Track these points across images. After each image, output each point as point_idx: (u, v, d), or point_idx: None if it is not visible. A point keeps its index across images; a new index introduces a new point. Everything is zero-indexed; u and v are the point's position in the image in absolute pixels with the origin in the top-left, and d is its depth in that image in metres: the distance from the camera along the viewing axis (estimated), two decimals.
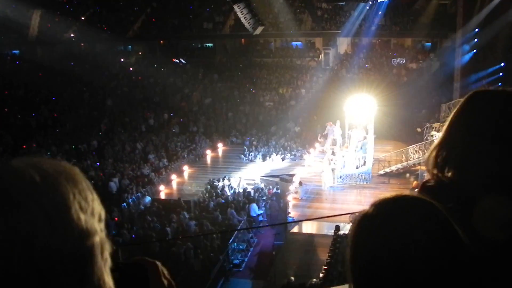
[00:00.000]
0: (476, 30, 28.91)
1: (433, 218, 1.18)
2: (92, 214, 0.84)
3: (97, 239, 0.83)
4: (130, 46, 44.78)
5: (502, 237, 1.46)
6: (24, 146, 28.80)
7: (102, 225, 0.87)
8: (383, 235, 1.15)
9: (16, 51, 44.57)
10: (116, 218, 19.80)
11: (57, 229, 0.77)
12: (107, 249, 0.87)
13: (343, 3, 26.68)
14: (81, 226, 0.80)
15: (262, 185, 23.76)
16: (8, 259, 0.74)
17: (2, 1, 40.85)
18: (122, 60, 42.20)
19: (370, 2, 24.98)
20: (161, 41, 43.59)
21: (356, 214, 1.26)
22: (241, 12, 20.17)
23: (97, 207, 0.87)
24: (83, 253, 0.81)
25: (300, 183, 21.66)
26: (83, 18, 44.36)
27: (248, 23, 20.60)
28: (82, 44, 43.22)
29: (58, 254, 0.77)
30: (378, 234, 1.16)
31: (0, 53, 42.92)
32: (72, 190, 0.81)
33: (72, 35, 43.03)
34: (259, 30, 21.43)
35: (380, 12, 34.94)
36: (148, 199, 22.41)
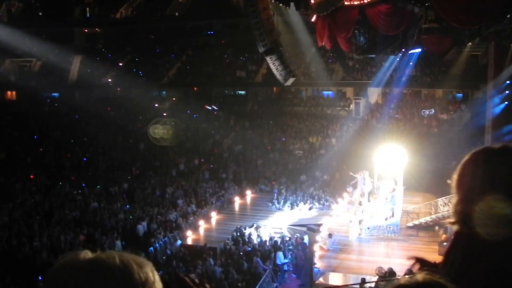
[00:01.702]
0: (508, 82, 28.77)
1: None
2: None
3: None
4: (164, 92, 45.89)
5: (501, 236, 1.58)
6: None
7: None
8: None
9: (56, 94, 46.22)
10: None
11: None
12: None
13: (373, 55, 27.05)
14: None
15: (289, 234, 23.58)
16: None
17: (47, 47, 42.95)
18: (156, 105, 43.21)
19: (401, 54, 25.17)
20: (195, 88, 44.60)
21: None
22: (273, 63, 20.56)
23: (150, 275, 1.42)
24: None
25: (330, 235, 21.40)
26: (120, 64, 45.99)
27: (280, 75, 20.95)
28: (118, 89, 44.41)
29: None
30: None
31: (41, 95, 44.57)
32: (138, 270, 1.39)
33: (109, 80, 44.49)
34: (290, 81, 21.75)
35: (411, 63, 35.01)
36: (178, 242, 22.52)
